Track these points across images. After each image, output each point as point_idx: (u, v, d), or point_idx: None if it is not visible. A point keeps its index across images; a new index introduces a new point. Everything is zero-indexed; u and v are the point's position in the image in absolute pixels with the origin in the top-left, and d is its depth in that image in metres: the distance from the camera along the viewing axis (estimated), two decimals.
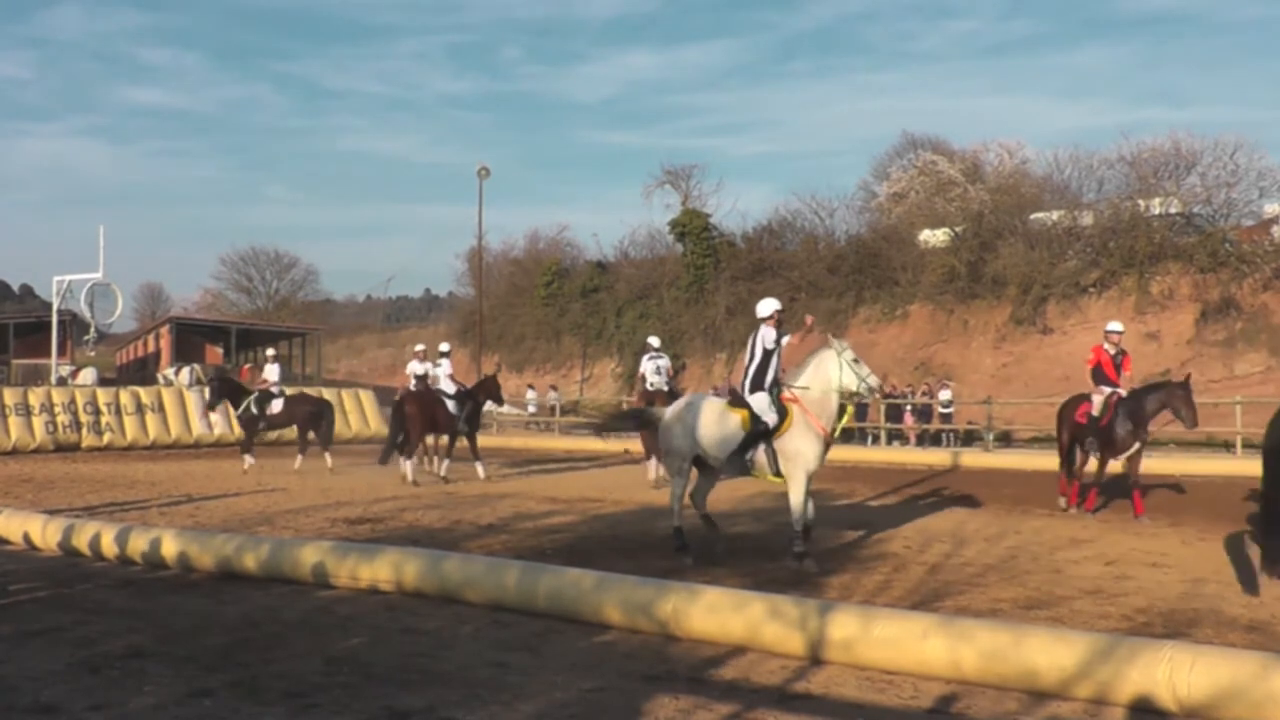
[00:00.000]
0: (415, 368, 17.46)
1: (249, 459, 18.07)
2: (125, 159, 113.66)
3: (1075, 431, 12.41)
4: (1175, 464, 16.42)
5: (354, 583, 7.69)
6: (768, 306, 9.25)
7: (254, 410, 18.29)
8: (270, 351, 19.86)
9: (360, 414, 27.58)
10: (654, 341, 16.97)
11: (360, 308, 72.41)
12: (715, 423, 9.07)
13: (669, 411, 9.63)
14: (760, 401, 8.89)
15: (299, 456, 18.24)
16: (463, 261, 50.92)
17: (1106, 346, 12.37)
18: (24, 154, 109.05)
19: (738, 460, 9.03)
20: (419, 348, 18.37)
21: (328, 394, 28.29)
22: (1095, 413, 12.07)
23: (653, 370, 16.02)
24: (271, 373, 18.94)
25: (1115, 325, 12.75)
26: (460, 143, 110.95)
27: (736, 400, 9.10)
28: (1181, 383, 12.03)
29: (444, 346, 17.94)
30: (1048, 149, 38.47)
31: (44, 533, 9.79)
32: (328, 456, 17.88)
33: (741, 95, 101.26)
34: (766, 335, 9.06)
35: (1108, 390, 12.13)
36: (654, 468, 15.19)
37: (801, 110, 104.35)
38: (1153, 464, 14.34)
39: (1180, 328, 29.41)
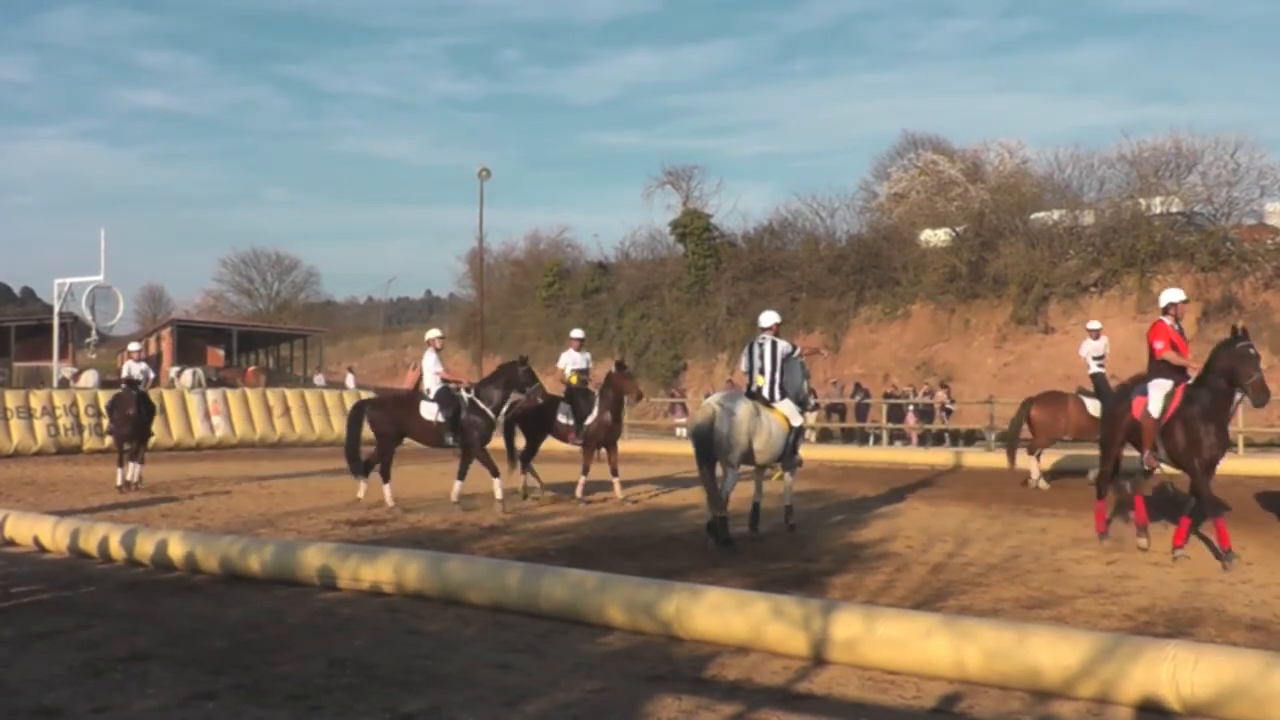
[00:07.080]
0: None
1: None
2: (126, 162, 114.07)
3: None
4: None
5: (356, 584, 7.69)
6: (771, 318, 10.52)
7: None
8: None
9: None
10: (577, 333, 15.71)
11: (361, 309, 72.66)
12: (767, 423, 9.91)
13: (720, 410, 9.69)
14: (789, 406, 10.17)
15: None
16: (464, 263, 51.07)
17: None
18: (25, 157, 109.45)
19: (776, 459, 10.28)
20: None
21: (329, 396, 28.37)
22: None
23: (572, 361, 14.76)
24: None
25: None
26: (461, 144, 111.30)
27: (764, 403, 10.06)
28: None
29: (433, 333, 13.80)
30: (1048, 148, 38.49)
31: (53, 535, 9.84)
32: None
33: (742, 95, 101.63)
34: (783, 344, 10.29)
35: None
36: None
37: (801, 110, 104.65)
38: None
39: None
